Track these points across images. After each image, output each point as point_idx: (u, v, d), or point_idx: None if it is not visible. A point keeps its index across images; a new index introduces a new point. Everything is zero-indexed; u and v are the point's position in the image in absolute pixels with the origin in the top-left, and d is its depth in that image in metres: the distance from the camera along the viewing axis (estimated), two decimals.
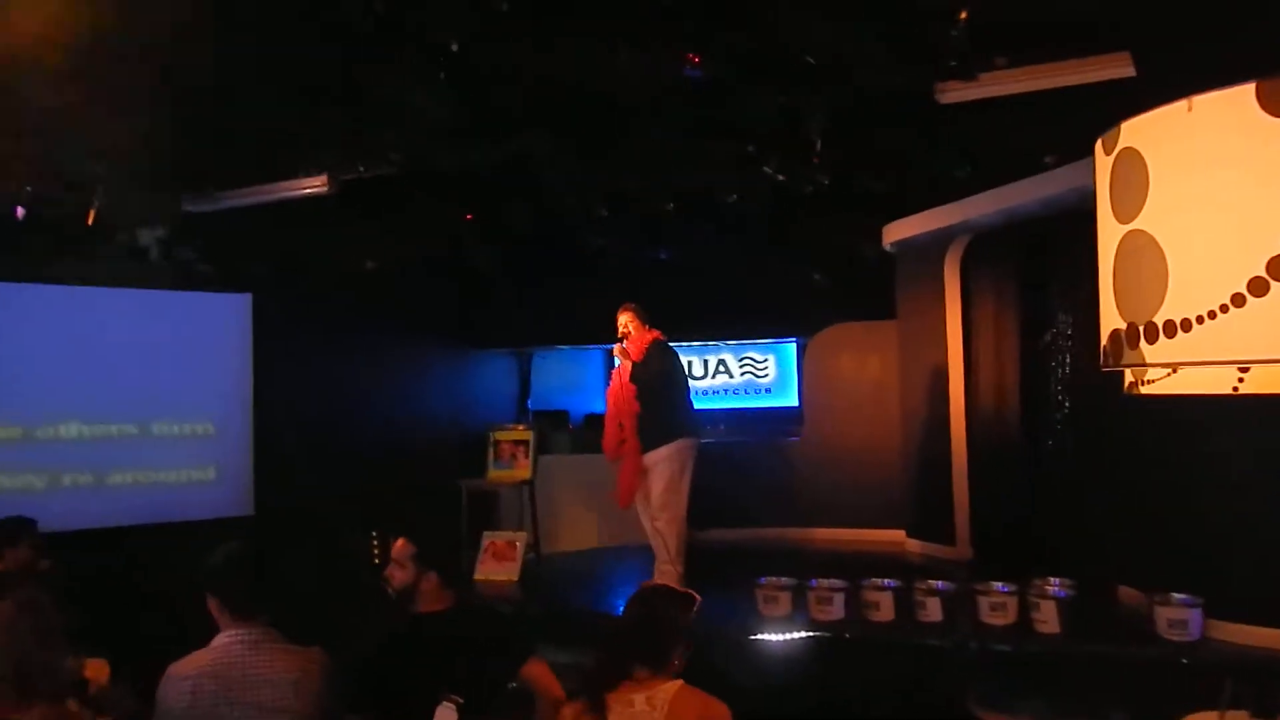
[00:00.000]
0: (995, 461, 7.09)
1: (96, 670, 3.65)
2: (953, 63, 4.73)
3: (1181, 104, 2.75)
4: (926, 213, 7.27)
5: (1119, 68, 4.59)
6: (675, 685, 2.83)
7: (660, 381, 6.16)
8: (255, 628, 3.06)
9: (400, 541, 3.37)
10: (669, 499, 6.12)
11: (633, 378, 6.13)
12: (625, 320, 6.28)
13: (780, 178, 6.54)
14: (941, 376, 7.28)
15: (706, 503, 6.62)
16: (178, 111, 5.37)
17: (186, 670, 2.99)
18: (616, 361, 6.33)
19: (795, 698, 4.90)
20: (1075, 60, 4.68)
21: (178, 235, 7.40)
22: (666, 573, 6.09)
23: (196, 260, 7.67)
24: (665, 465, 6.12)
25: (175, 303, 7.62)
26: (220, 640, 3.06)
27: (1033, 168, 6.20)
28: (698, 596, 3.06)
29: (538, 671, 3.31)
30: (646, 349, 6.15)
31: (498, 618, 3.62)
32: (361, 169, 6.39)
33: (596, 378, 11.74)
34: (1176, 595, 4.74)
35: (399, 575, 3.33)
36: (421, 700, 3.00)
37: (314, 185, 6.37)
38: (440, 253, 8.65)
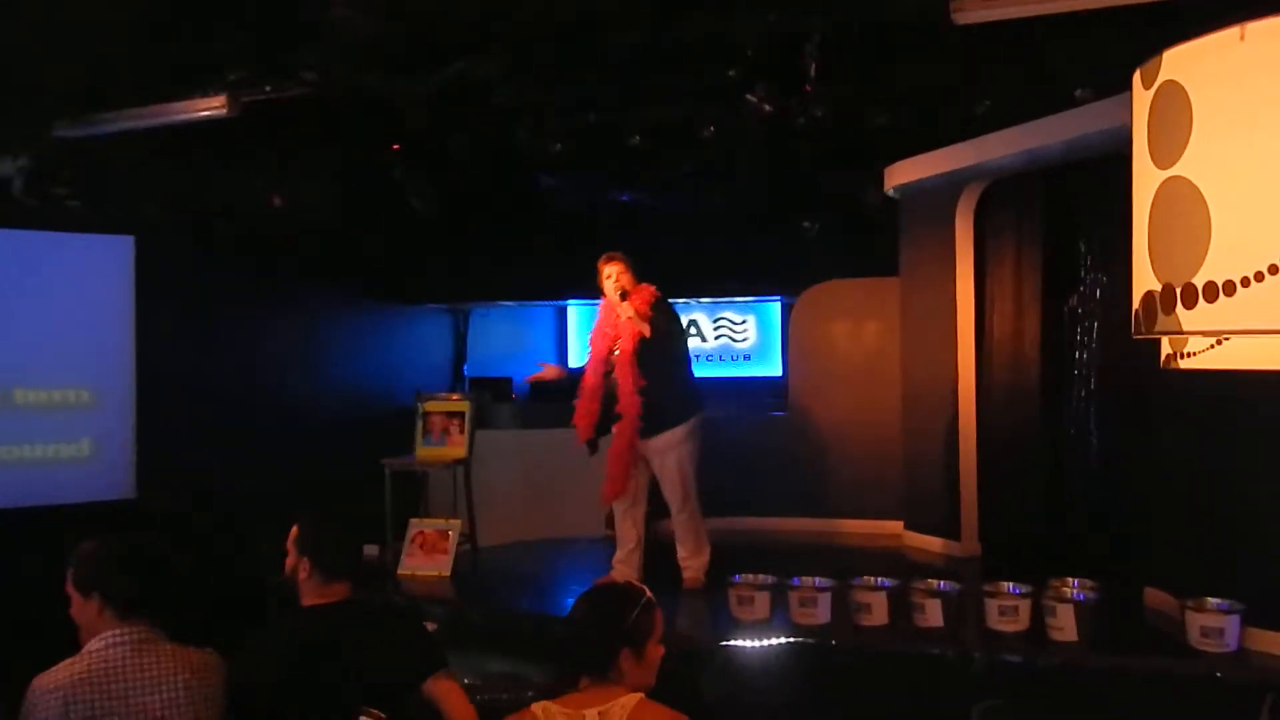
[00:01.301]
0: (1009, 444, 7.18)
1: None
2: None
3: (1233, 31, 2.78)
4: (936, 153, 7.30)
5: None
6: (634, 699, 2.87)
7: (669, 349, 6.10)
8: (138, 628, 3.06)
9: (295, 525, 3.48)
10: (690, 487, 6.18)
11: (641, 344, 5.99)
12: (616, 273, 6.06)
13: (767, 108, 6.54)
14: (949, 344, 7.34)
15: None
16: (46, 15, 5.26)
17: (56, 681, 2.97)
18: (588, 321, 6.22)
19: (772, 713, 4.98)
20: None
21: (46, 165, 7.27)
22: (626, 567, 6.18)
23: (69, 196, 7.54)
24: (679, 450, 6.12)
25: (43, 246, 7.50)
26: (96, 644, 3.04)
27: (1061, 103, 6.24)
28: (648, 591, 3.10)
29: (444, 690, 3.29)
30: (652, 308, 6.00)
31: (400, 618, 3.60)
32: (268, 89, 6.30)
33: (544, 340, 11.75)
34: (1212, 600, 4.83)
35: (288, 561, 3.43)
36: (318, 710, 3.03)
37: (212, 107, 6.28)
38: (363, 191, 8.57)
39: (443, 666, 3.35)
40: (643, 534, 6.29)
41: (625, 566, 6.19)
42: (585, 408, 6.19)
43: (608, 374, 6.17)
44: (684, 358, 6.33)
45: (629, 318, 5.96)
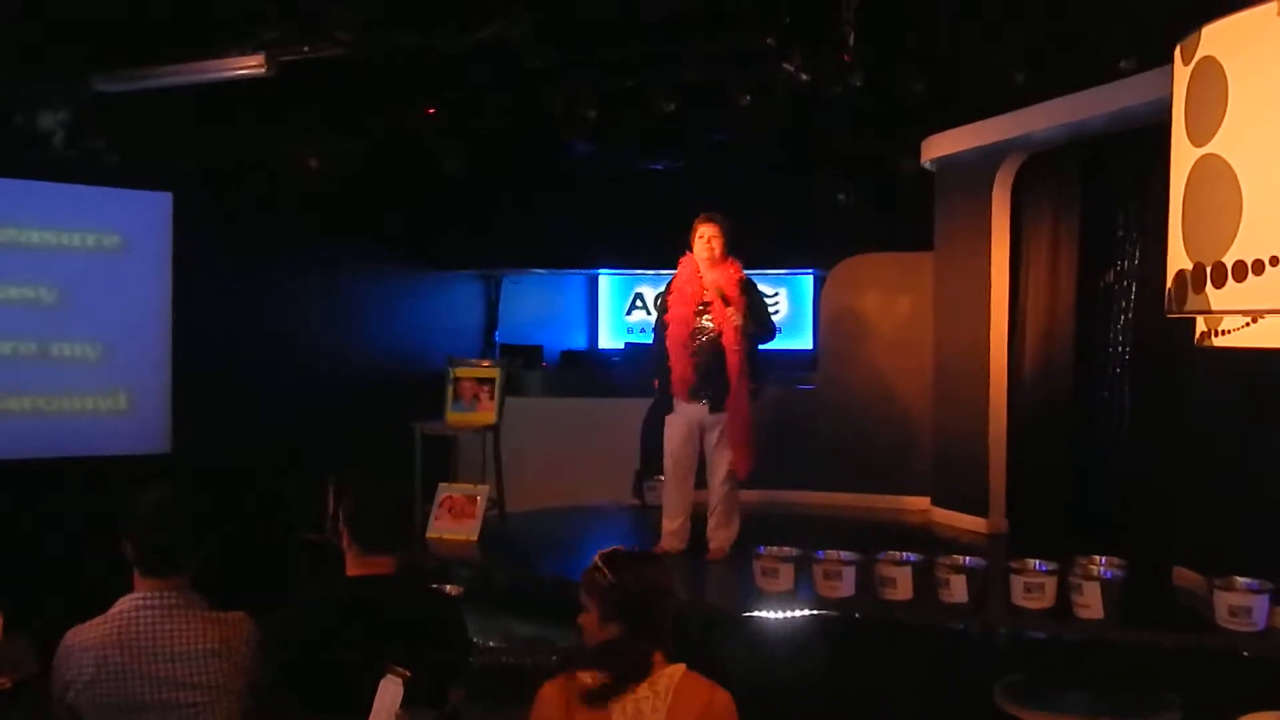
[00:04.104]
0: (1040, 421, 7.17)
1: None
2: None
3: (1270, 7, 2.76)
4: (975, 125, 7.25)
5: None
6: (679, 670, 2.90)
7: (756, 322, 6.18)
8: (169, 590, 3.08)
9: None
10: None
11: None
12: (710, 235, 6.07)
13: (804, 77, 6.52)
14: (982, 319, 7.32)
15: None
16: None
17: (88, 639, 3.01)
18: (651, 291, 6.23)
19: (795, 685, 5.02)
20: None
21: (86, 120, 7.36)
22: (677, 540, 6.22)
23: (108, 150, 7.63)
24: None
25: (82, 199, 7.59)
26: (126, 604, 3.07)
27: (1104, 74, 6.18)
28: (658, 552, 3.15)
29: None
30: (742, 281, 6.12)
31: (440, 618, 3.38)
32: (305, 49, 6.35)
33: (576, 308, 11.81)
34: (1240, 579, 4.82)
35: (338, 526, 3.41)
36: (358, 674, 2.98)
37: (249, 66, 6.34)
38: (397, 154, 8.62)
39: (461, 684, 3.28)
40: (691, 504, 6.36)
41: (676, 539, 6.24)
42: (683, 369, 6.11)
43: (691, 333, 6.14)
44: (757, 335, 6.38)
45: (731, 305, 6.03)
